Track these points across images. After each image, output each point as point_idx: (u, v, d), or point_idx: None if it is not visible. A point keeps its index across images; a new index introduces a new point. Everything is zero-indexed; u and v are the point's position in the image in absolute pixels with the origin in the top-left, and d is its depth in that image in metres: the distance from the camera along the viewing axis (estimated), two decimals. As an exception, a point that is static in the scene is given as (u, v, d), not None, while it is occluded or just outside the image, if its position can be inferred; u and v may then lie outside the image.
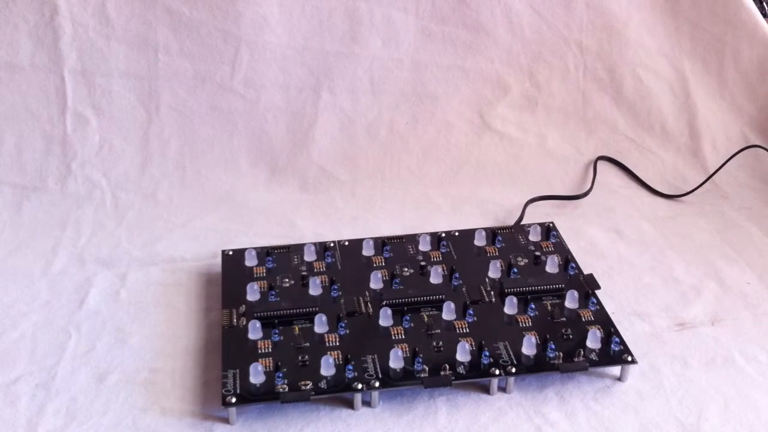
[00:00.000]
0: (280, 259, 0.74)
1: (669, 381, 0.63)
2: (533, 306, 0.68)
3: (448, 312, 0.67)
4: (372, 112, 0.93)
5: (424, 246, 0.76)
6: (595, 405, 0.61)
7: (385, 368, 0.62)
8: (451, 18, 0.93)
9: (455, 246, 0.76)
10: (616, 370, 0.63)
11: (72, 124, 0.87)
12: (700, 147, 0.94)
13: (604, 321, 0.66)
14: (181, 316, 0.71)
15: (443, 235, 0.77)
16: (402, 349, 0.63)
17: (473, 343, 0.63)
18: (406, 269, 0.73)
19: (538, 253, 0.75)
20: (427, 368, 0.62)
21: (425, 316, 0.67)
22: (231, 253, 0.75)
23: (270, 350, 0.64)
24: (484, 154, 0.93)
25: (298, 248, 0.75)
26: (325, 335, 0.65)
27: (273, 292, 0.69)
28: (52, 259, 0.78)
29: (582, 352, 0.63)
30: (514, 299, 0.68)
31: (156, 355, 0.66)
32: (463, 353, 0.62)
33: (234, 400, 0.59)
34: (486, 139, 0.94)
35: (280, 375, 0.61)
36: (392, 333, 0.65)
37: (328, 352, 0.62)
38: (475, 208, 0.86)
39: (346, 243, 0.77)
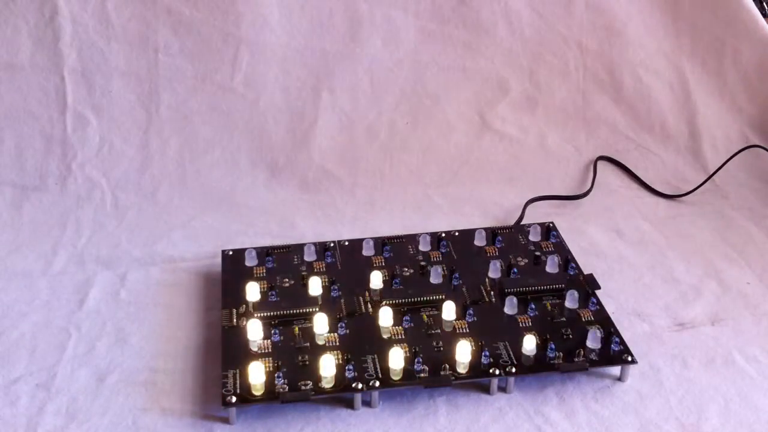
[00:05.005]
0: (280, 259, 0.74)
1: (669, 381, 0.63)
2: (533, 306, 0.68)
3: (448, 312, 0.67)
4: (372, 112, 0.93)
5: (424, 246, 0.76)
6: (595, 405, 0.61)
7: (385, 368, 0.62)
8: (451, 18, 0.93)
9: (455, 246, 0.76)
10: (616, 370, 0.63)
11: (72, 124, 0.87)
12: (700, 147, 0.94)
13: (604, 321, 0.66)
14: (181, 316, 0.71)
15: (443, 235, 0.77)
16: (402, 349, 0.63)
17: (473, 343, 0.63)
18: (406, 269, 0.73)
19: (538, 253, 0.74)
20: (427, 368, 0.62)
21: (425, 316, 0.67)
22: (231, 253, 0.75)
23: (270, 350, 0.64)
24: (484, 154, 0.93)
25: (298, 248, 0.75)
26: (325, 335, 0.65)
27: (273, 292, 0.69)
28: (52, 259, 0.78)
29: (582, 352, 0.63)
30: (514, 299, 0.68)
31: (156, 355, 0.66)
32: (463, 353, 0.62)
33: (234, 400, 0.59)
34: (486, 139, 0.94)
35: (280, 375, 0.61)
36: (392, 333, 0.65)
37: (328, 352, 0.62)
38: (475, 208, 0.86)
39: (346, 243, 0.77)
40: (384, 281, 0.71)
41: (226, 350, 0.64)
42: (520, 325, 0.66)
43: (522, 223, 0.81)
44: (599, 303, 0.68)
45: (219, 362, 0.63)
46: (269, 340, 0.65)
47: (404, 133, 0.93)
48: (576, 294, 0.68)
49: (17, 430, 0.59)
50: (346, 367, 0.61)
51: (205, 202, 0.86)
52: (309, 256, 0.74)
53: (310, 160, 0.90)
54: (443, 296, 0.68)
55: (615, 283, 0.74)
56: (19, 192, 0.85)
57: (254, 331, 0.65)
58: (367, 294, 0.70)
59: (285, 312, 0.67)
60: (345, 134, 0.92)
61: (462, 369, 0.62)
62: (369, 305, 0.68)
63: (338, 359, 0.62)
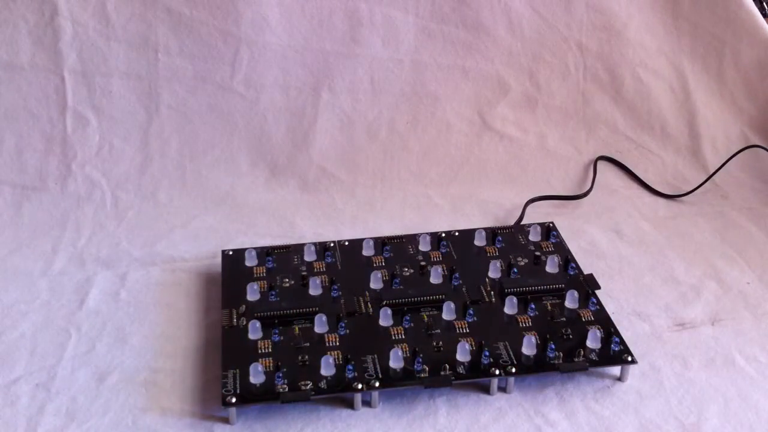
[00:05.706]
0: (280, 259, 0.74)
1: (669, 381, 0.63)
2: (533, 306, 0.68)
3: (448, 312, 0.67)
4: (372, 112, 0.93)
5: (424, 246, 0.76)
6: (595, 405, 0.61)
7: (385, 368, 0.62)
8: (451, 18, 0.93)
9: (455, 246, 0.76)
10: (616, 370, 0.63)
11: (72, 124, 0.87)
12: (700, 147, 0.94)
13: (604, 321, 0.66)
14: (181, 316, 0.71)
15: (443, 235, 0.77)
16: (402, 349, 0.63)
17: (473, 343, 0.63)
18: (406, 269, 0.73)
19: (538, 253, 0.75)
20: (427, 368, 0.62)
21: (425, 316, 0.67)
22: (231, 253, 0.75)
23: (270, 350, 0.64)
24: (484, 154, 0.93)
25: (298, 248, 0.75)
26: (325, 335, 0.65)
27: (273, 292, 0.69)
28: (52, 259, 0.78)
29: (582, 352, 0.63)
30: (514, 299, 0.68)
31: (156, 355, 0.66)
32: (463, 353, 0.62)
33: (234, 400, 0.59)
34: (486, 139, 0.93)
35: (280, 375, 0.61)
36: (392, 333, 0.65)
37: (328, 352, 0.62)
38: (475, 208, 0.86)
39: (346, 243, 0.77)
40: (384, 281, 0.71)
41: (226, 350, 0.64)
42: (520, 325, 0.66)
43: (522, 223, 0.81)
44: (599, 303, 0.68)
45: (219, 362, 0.63)
46: (269, 340, 0.65)
47: (404, 133, 0.93)
48: (576, 294, 0.68)
49: (17, 430, 0.59)
50: (346, 367, 0.61)
51: (205, 202, 0.86)
52: (309, 256, 0.74)
53: (310, 160, 0.90)
54: (443, 296, 0.68)
55: (615, 283, 0.74)
56: (19, 192, 0.85)
57: (254, 331, 0.65)
58: (367, 294, 0.70)
59: (285, 312, 0.67)
60: (345, 134, 0.92)
61: (462, 369, 0.62)
62: (369, 305, 0.68)
63: (338, 359, 0.62)
